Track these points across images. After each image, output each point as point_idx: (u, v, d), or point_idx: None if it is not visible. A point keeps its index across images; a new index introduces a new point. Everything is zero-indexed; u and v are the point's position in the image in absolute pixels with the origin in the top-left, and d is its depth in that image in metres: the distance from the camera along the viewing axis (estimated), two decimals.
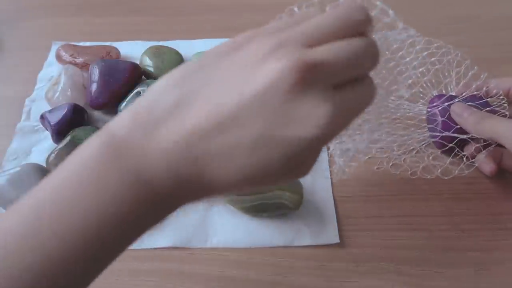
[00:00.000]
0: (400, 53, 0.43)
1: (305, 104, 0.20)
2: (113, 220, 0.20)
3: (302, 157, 0.22)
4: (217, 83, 0.22)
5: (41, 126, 0.47)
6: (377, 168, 0.43)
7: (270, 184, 0.23)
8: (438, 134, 0.42)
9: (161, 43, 0.55)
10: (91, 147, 0.22)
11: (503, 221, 0.39)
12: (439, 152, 0.43)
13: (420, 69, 0.44)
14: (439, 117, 0.42)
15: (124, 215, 0.21)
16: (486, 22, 0.59)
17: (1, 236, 0.20)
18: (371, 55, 0.23)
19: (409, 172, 0.42)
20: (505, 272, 0.36)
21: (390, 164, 0.43)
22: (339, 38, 0.22)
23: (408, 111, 0.45)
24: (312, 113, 0.20)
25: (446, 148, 0.42)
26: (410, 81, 0.44)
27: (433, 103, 0.43)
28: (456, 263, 0.37)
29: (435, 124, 0.42)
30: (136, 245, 0.38)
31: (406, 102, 0.45)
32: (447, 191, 0.41)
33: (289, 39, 0.21)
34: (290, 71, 0.20)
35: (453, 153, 0.42)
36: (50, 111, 0.45)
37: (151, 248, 0.38)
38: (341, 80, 0.22)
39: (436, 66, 0.44)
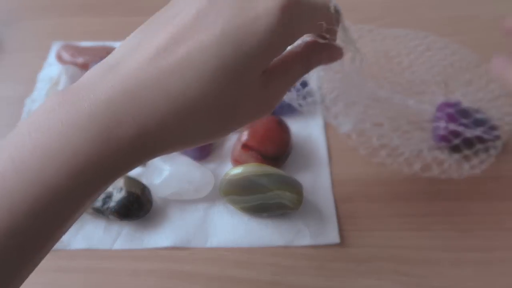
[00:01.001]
0: (413, 41, 0.43)
1: None
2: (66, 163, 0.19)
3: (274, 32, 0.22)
4: (173, 15, 0.23)
5: None
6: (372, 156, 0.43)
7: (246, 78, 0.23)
8: (441, 135, 0.42)
9: None
10: (49, 99, 0.21)
11: (503, 221, 0.39)
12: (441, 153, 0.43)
13: (436, 68, 0.44)
14: (445, 119, 0.42)
15: (78, 157, 0.19)
16: (486, 22, 0.59)
17: None
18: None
19: (405, 169, 0.42)
20: (505, 272, 0.36)
21: (387, 157, 0.43)
22: None
23: (413, 109, 0.45)
24: None
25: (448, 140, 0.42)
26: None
27: (440, 110, 0.43)
28: (456, 263, 0.37)
29: (439, 127, 0.42)
30: (136, 245, 0.38)
31: (412, 100, 0.45)
32: (447, 191, 0.41)
33: None
34: None
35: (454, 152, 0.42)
36: None
37: (151, 248, 0.38)
38: None
39: (444, 62, 0.44)
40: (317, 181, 0.42)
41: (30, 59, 0.55)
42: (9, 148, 0.19)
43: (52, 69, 0.53)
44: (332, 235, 0.38)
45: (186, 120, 0.21)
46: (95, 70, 0.22)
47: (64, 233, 0.21)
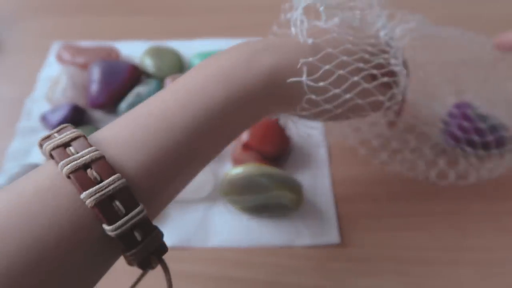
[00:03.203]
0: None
1: None
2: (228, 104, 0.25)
3: None
4: None
5: (41, 126, 0.47)
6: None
7: None
8: (454, 134, 0.41)
9: (161, 43, 0.55)
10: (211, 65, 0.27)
11: (503, 221, 0.39)
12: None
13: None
14: (457, 120, 0.41)
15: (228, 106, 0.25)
16: (486, 22, 0.59)
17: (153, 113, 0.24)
18: None
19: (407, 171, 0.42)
20: (505, 272, 0.36)
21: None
22: None
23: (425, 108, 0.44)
24: None
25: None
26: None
27: (452, 112, 0.42)
28: (456, 263, 0.37)
29: (450, 126, 0.42)
30: None
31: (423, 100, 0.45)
32: (447, 191, 0.41)
33: None
34: None
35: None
36: (50, 111, 0.45)
37: None
38: None
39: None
40: (317, 181, 0.42)
41: (30, 59, 0.55)
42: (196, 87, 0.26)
43: (52, 69, 0.53)
44: (332, 235, 0.39)
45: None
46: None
47: (219, 147, 0.27)
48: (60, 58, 0.53)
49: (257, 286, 0.36)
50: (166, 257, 0.38)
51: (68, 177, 0.20)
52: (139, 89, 0.48)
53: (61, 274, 0.20)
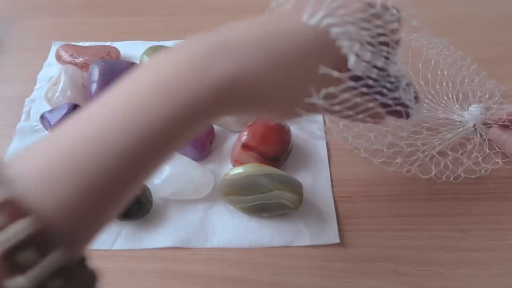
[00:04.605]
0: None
1: None
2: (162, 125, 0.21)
3: None
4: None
5: (41, 126, 0.47)
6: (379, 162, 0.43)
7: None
8: None
9: (161, 43, 0.55)
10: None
11: (503, 221, 0.39)
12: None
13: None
14: None
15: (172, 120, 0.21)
16: (486, 22, 0.59)
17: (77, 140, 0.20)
18: None
19: (405, 169, 0.42)
20: (505, 272, 0.36)
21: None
22: None
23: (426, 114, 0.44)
24: None
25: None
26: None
27: None
28: (456, 263, 0.37)
29: None
30: (136, 245, 0.38)
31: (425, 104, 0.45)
32: (447, 191, 0.41)
33: None
34: None
35: None
36: (50, 111, 0.45)
37: (151, 248, 0.38)
38: None
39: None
40: (317, 181, 0.42)
41: (30, 59, 0.55)
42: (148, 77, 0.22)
43: (52, 69, 0.53)
44: (332, 235, 0.38)
45: (277, 72, 0.24)
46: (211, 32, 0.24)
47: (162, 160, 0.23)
48: (59, 58, 0.53)
49: (257, 286, 0.36)
50: (166, 257, 0.38)
51: None
52: None
53: None
